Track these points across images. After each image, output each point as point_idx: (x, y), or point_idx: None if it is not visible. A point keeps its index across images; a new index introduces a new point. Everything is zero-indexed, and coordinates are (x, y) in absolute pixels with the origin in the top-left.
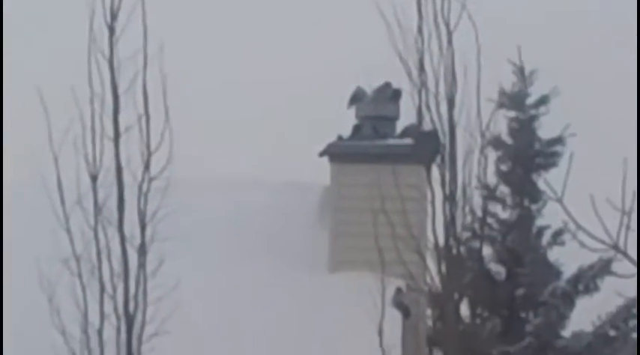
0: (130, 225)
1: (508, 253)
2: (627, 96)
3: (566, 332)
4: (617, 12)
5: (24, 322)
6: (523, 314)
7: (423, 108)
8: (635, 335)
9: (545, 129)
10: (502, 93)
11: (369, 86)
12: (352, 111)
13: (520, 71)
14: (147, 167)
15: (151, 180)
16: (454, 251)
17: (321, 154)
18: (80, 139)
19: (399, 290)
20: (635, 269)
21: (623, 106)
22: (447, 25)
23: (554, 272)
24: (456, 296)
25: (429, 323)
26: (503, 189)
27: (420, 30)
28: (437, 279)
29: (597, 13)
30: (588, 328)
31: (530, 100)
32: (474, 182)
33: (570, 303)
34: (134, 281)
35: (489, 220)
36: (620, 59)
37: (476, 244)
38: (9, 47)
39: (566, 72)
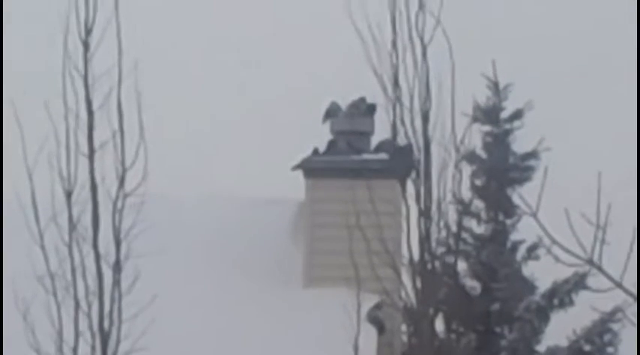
0: (105, 242)
1: (483, 268)
2: (601, 110)
3: (542, 347)
4: (591, 28)
5: None
6: (498, 329)
7: (398, 123)
8: (610, 349)
9: (520, 143)
10: (476, 107)
11: (344, 101)
12: (327, 126)
13: (494, 85)
14: (122, 183)
15: (125, 196)
16: (429, 266)
17: (294, 168)
18: (54, 155)
19: (375, 306)
20: (610, 284)
21: (597, 120)
22: (422, 39)
23: (528, 286)
24: (431, 311)
25: (404, 338)
26: (478, 204)
27: (394, 45)
28: (412, 295)
29: (572, 29)
30: (563, 343)
31: (504, 114)
32: (449, 197)
33: (545, 318)
34: (109, 299)
35: (464, 235)
36: (594, 73)
37: (451, 259)
38: None
39: (541, 86)
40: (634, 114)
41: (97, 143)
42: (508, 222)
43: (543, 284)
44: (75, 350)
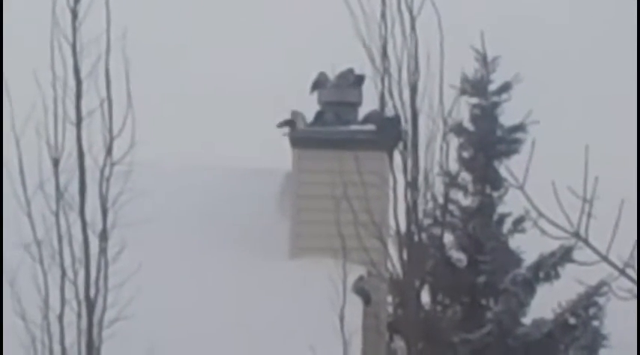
0: (92, 210)
1: (469, 240)
2: (589, 84)
3: (527, 320)
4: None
5: None
6: (484, 302)
7: (386, 95)
8: (595, 322)
9: (508, 116)
10: (464, 79)
11: (332, 72)
12: (314, 97)
13: (483, 58)
14: (109, 152)
15: (112, 165)
16: (415, 237)
17: (281, 126)
18: (42, 123)
19: (360, 277)
20: (596, 257)
21: (585, 94)
22: (411, 11)
23: (514, 259)
24: (417, 283)
25: (390, 309)
26: (465, 176)
27: (383, 16)
28: (398, 266)
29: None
30: (549, 315)
31: (492, 87)
32: (436, 169)
33: (531, 291)
34: (95, 267)
35: (451, 207)
36: (583, 46)
37: (437, 231)
38: None
39: (529, 58)
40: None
41: (84, 111)
42: (495, 194)
43: (529, 257)
44: (61, 317)
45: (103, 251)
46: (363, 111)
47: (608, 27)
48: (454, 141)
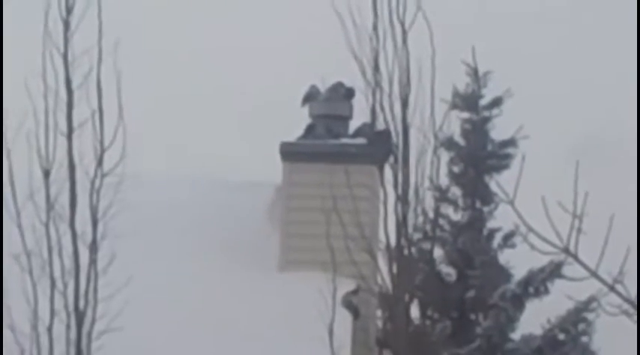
0: (82, 222)
1: (459, 255)
2: (579, 99)
3: (516, 335)
4: (572, 16)
5: None
6: (473, 317)
7: (377, 108)
8: (584, 338)
9: (498, 130)
10: (456, 94)
11: (323, 85)
12: (305, 110)
13: (474, 72)
14: (100, 163)
15: (103, 176)
16: (405, 252)
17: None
18: (33, 134)
19: (351, 291)
20: (586, 273)
21: (575, 109)
22: (403, 24)
23: (504, 274)
24: (407, 297)
25: (379, 324)
26: (455, 191)
27: (375, 29)
28: (388, 280)
29: (552, 15)
30: (538, 331)
31: (483, 102)
32: (427, 183)
33: (520, 306)
34: (85, 278)
35: (441, 221)
36: (573, 62)
37: (427, 245)
38: None
39: (520, 73)
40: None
41: (75, 122)
42: (485, 209)
43: (519, 272)
44: (50, 329)
45: (92, 262)
46: (353, 125)
47: (599, 43)
48: (445, 156)
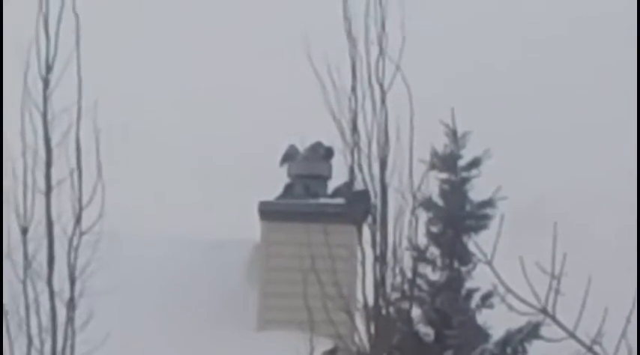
0: (60, 279)
1: (437, 315)
2: (558, 160)
3: None
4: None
5: None
6: None
7: (355, 168)
8: None
9: (477, 191)
10: (434, 154)
11: (302, 144)
12: (284, 170)
13: (452, 133)
14: (78, 221)
15: (81, 234)
16: (383, 311)
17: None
18: (11, 191)
19: (328, 351)
20: (564, 334)
21: (554, 171)
22: (381, 85)
23: (482, 334)
24: None
25: None
26: (434, 251)
27: (353, 89)
28: (365, 340)
29: (533, 81)
30: None
31: (462, 162)
32: (405, 243)
33: None
34: (62, 336)
35: (419, 281)
36: (552, 123)
37: (405, 305)
38: None
39: (499, 134)
40: (590, 164)
41: (54, 180)
42: (463, 269)
43: (497, 333)
44: None
45: (70, 320)
46: (332, 185)
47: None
48: (423, 216)
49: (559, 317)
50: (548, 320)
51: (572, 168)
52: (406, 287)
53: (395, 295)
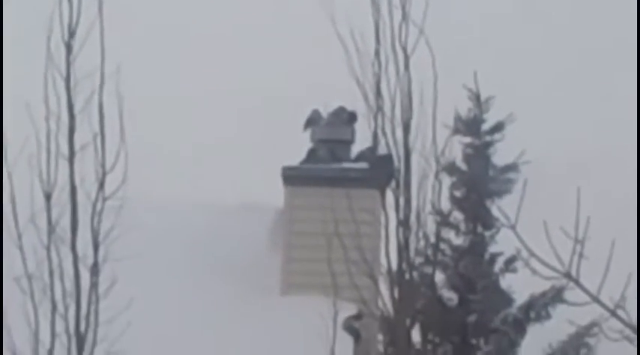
0: (83, 245)
1: (460, 279)
2: (582, 124)
3: None
4: (574, 41)
5: None
6: (474, 341)
7: (379, 133)
8: None
9: (500, 155)
10: (458, 118)
11: (325, 109)
12: (307, 135)
13: (476, 97)
14: (101, 186)
15: (105, 199)
16: (407, 276)
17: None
18: (35, 157)
19: (352, 316)
20: (587, 298)
21: (578, 134)
22: (405, 49)
23: (506, 299)
24: (408, 321)
25: (381, 348)
26: (457, 215)
27: (377, 54)
28: (389, 304)
29: (554, 42)
30: None
31: (485, 127)
32: (428, 207)
33: (522, 331)
34: (86, 301)
35: (442, 246)
36: (575, 88)
37: (429, 270)
38: None
39: (522, 98)
40: (613, 127)
41: (77, 146)
42: (487, 234)
43: (520, 297)
44: (51, 352)
45: (94, 285)
46: (355, 149)
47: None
48: (446, 181)
49: (583, 281)
50: (571, 285)
51: (598, 132)
52: (430, 251)
53: (419, 260)
